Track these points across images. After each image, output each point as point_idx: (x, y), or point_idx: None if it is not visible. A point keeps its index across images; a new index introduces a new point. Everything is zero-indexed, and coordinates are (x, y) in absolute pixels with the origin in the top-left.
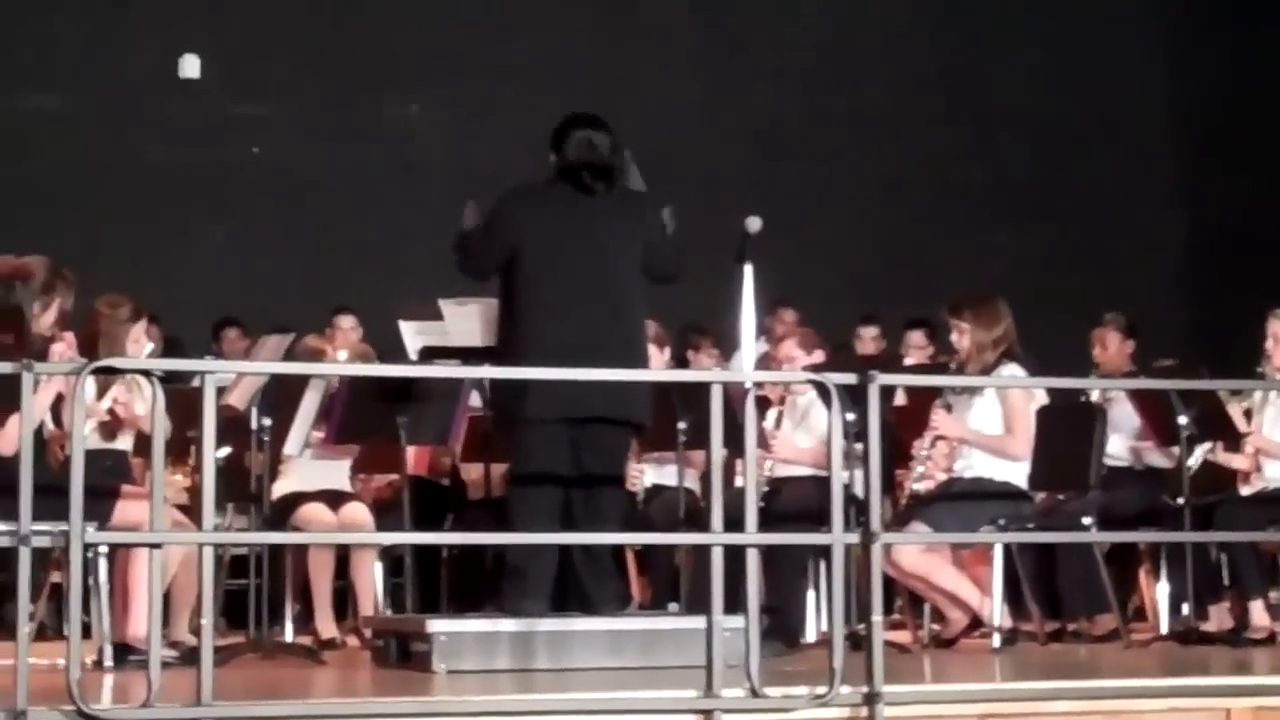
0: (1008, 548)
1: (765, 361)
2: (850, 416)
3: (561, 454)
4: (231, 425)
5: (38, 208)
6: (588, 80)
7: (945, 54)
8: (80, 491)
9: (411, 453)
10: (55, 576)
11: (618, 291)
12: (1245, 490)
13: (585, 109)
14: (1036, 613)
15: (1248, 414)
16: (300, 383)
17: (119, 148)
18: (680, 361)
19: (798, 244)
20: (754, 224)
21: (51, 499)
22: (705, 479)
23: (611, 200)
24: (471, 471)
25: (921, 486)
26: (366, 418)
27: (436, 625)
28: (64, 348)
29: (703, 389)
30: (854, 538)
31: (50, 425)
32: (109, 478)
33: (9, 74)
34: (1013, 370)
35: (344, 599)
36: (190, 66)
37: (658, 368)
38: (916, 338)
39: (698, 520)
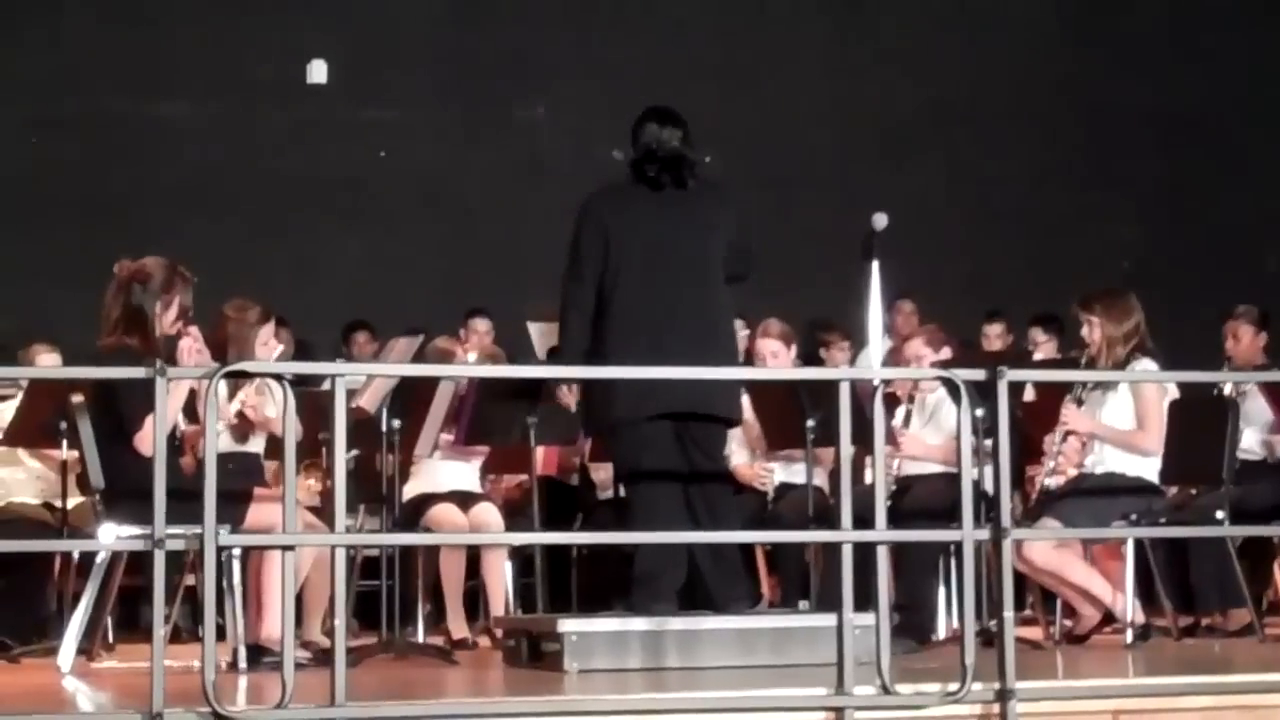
0: (1140, 543)
1: (892, 358)
2: (979, 413)
3: (669, 451)
4: (362, 427)
5: (169, 214)
6: (714, 80)
7: (1073, 48)
8: (214, 495)
9: (540, 453)
10: (189, 579)
11: (701, 286)
12: None
13: (711, 109)
14: (1169, 608)
15: None
16: (430, 385)
17: (248, 154)
18: (810, 359)
19: (924, 241)
20: (880, 221)
21: (185, 503)
22: (834, 476)
23: (690, 194)
24: (600, 471)
25: (1052, 482)
26: (496, 419)
27: (567, 625)
28: (190, 342)
29: (830, 386)
30: (984, 534)
31: (183, 426)
32: (241, 481)
33: (139, 82)
34: (1144, 365)
35: (475, 599)
36: (318, 72)
37: (784, 365)
38: (1040, 335)
39: (827, 518)
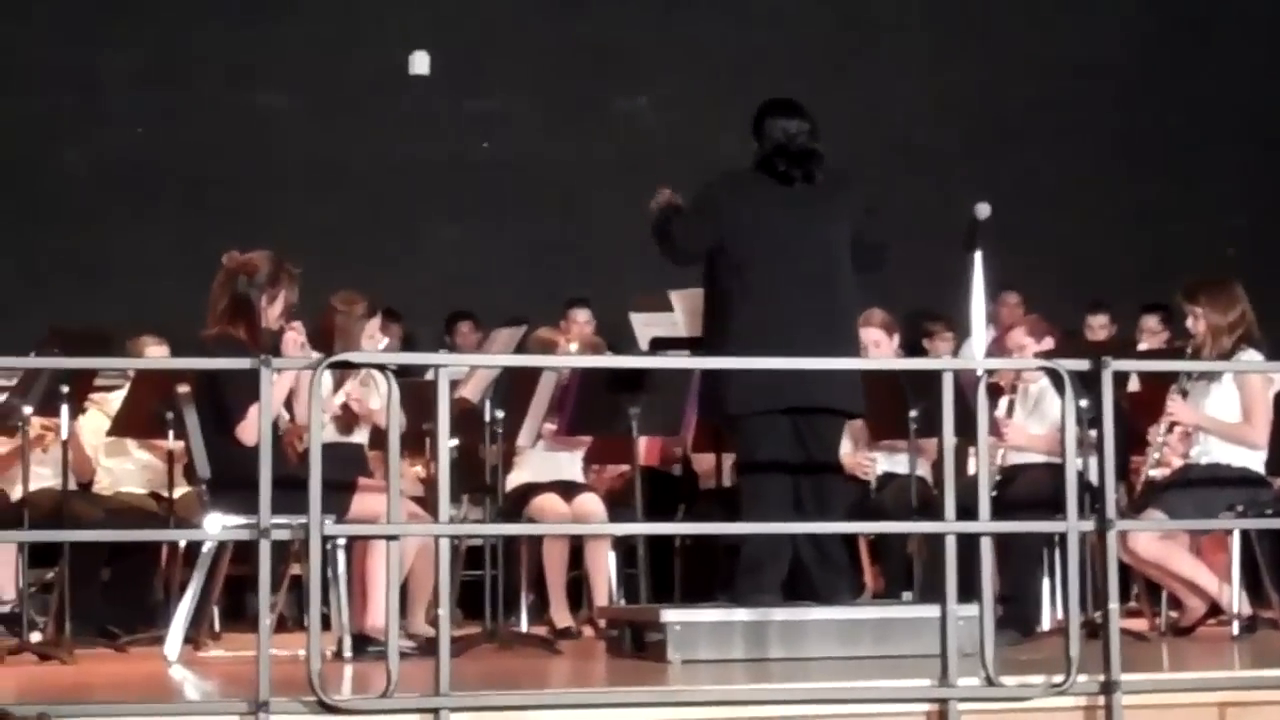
0: (1246, 534)
1: (994, 348)
2: (1083, 403)
3: (785, 444)
4: (465, 418)
5: (272, 205)
6: (816, 70)
7: (1175, 41)
8: (319, 485)
9: (643, 443)
10: (295, 569)
11: (826, 278)
12: None
13: (814, 100)
14: (1276, 600)
15: None
16: (533, 375)
17: (351, 145)
18: (913, 349)
19: (1027, 231)
20: (983, 210)
21: (290, 493)
22: (937, 467)
23: (817, 186)
24: (703, 462)
25: (1157, 473)
26: (598, 409)
27: (671, 615)
28: (295, 335)
29: (933, 377)
30: (1089, 525)
31: (286, 419)
32: (346, 471)
33: (242, 73)
34: (1250, 355)
35: (578, 589)
36: (420, 63)
37: (887, 355)
38: (1152, 323)
39: (930, 509)
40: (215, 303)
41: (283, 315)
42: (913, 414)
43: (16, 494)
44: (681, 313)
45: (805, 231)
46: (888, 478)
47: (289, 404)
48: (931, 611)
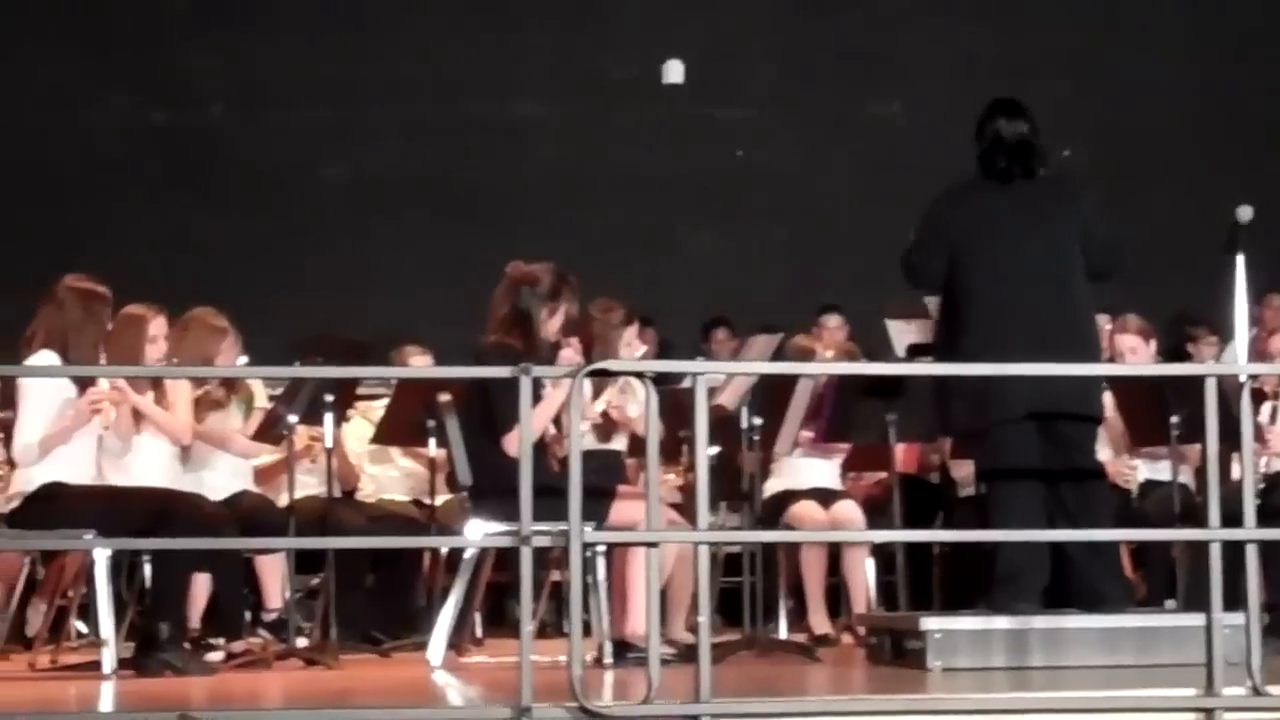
0: None
1: (1257, 352)
2: None
3: (1031, 450)
4: (722, 425)
5: (529, 214)
6: (1072, 74)
7: None
8: (579, 492)
9: (900, 450)
10: (555, 575)
11: (1058, 279)
12: None
13: (1069, 103)
14: None
15: None
16: (790, 382)
17: (606, 153)
18: (1176, 353)
19: None
20: (1245, 214)
21: (551, 500)
22: (1200, 473)
23: (1041, 188)
24: (961, 468)
25: None
26: (855, 416)
27: (930, 622)
28: (571, 353)
29: (1195, 382)
30: None
31: (549, 428)
32: (606, 478)
33: (497, 83)
34: None
35: (837, 596)
36: (674, 72)
37: (1144, 360)
38: None
39: (1193, 516)
40: (495, 311)
41: (561, 330)
42: (1174, 420)
43: (283, 502)
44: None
45: (1031, 229)
46: (1149, 485)
47: (554, 417)
48: (1196, 620)
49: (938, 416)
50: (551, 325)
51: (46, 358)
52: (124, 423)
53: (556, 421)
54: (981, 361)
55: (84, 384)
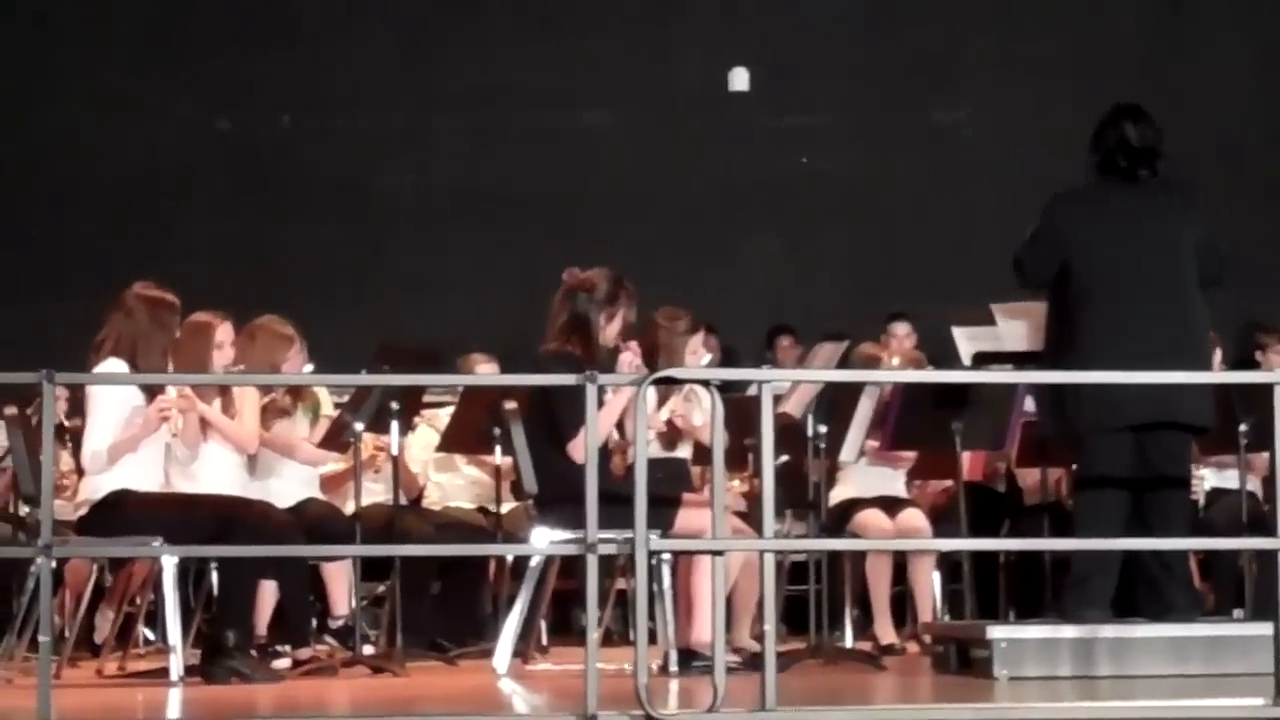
0: None
1: None
2: None
3: (1125, 460)
4: (788, 433)
5: (595, 221)
6: (1139, 80)
7: None
8: (644, 500)
9: (966, 458)
10: (620, 583)
11: (1173, 283)
12: None
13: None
14: None
15: None
16: (855, 390)
17: (671, 162)
18: (1245, 362)
19: None
20: None
21: (616, 508)
22: (1269, 482)
23: (1160, 193)
24: (1027, 477)
25: None
26: (921, 424)
27: (997, 631)
28: (631, 356)
29: (1264, 390)
30: None
31: (614, 435)
32: (671, 486)
33: (563, 93)
34: None
35: (903, 605)
36: (739, 79)
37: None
38: None
39: (1261, 525)
40: (554, 319)
41: (620, 334)
42: (1243, 428)
43: (349, 509)
44: (1005, 326)
45: (1151, 232)
46: (1217, 493)
47: (619, 421)
48: (1264, 629)
49: (1046, 418)
50: (610, 330)
51: (115, 366)
52: (191, 431)
53: (620, 428)
54: (1097, 363)
55: (152, 392)
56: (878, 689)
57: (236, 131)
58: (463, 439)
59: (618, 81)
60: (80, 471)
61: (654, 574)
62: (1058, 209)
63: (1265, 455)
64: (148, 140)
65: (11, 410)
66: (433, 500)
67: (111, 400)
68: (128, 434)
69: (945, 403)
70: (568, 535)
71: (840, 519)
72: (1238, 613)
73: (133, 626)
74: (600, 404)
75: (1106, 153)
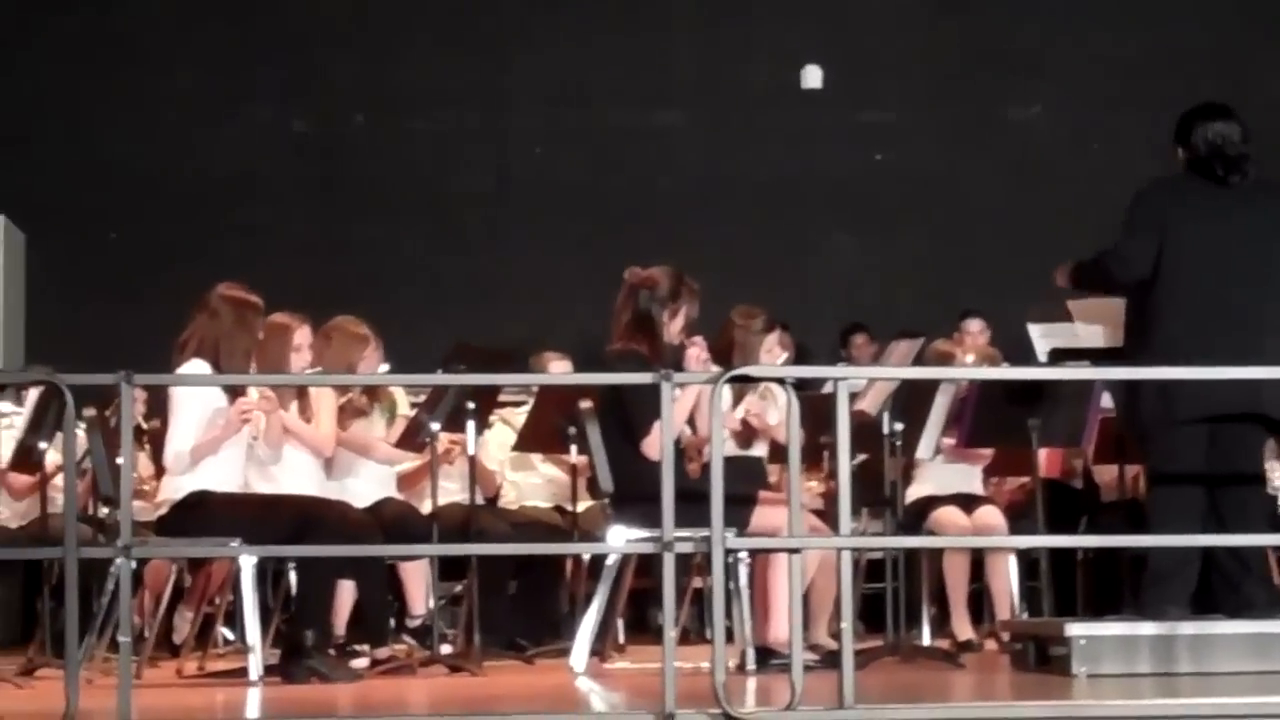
0: None
1: None
2: None
3: (1200, 454)
4: (864, 430)
5: (668, 221)
6: (1214, 76)
7: None
8: (720, 498)
9: (1043, 455)
10: (697, 582)
11: (1264, 281)
12: None
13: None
14: None
15: None
16: (931, 387)
17: (744, 160)
18: None
19: None
20: None
21: (692, 506)
22: None
23: (1251, 192)
24: (1104, 473)
25: None
26: (997, 421)
27: (1075, 628)
28: (698, 351)
29: None
30: None
31: (688, 433)
32: (747, 485)
33: (636, 93)
34: None
35: (980, 602)
36: (812, 77)
37: None
38: None
39: None
40: (618, 318)
41: (684, 330)
42: None
43: (426, 509)
44: (1081, 323)
45: (1242, 237)
46: None
47: (691, 418)
48: None
49: (1121, 412)
50: (673, 327)
51: (198, 367)
52: (273, 432)
53: (691, 424)
54: (1179, 357)
55: (234, 393)
56: (955, 686)
57: (312, 133)
58: (539, 438)
59: (690, 81)
60: (159, 473)
61: (731, 572)
62: (1153, 197)
63: None
64: (225, 142)
65: (90, 412)
66: (509, 499)
67: (194, 401)
68: (210, 436)
69: (1021, 399)
70: (644, 534)
71: (917, 516)
72: None
73: (212, 627)
74: None
75: (1198, 155)
